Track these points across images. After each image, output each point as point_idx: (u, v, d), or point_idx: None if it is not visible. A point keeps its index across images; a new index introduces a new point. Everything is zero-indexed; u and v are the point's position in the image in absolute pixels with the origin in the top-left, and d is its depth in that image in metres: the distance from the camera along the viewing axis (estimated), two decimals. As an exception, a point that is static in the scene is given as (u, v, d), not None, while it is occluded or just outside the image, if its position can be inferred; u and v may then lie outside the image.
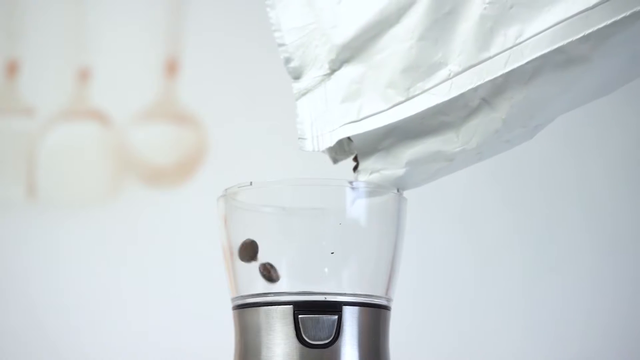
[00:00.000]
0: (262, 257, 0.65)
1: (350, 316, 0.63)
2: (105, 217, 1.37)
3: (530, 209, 1.36)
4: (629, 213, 1.34)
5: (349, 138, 0.67)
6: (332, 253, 0.65)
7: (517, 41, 0.61)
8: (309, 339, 0.62)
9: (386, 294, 0.66)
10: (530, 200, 1.36)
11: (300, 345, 0.63)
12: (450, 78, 0.62)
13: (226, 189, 0.67)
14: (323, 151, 0.68)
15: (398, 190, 0.67)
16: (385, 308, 0.66)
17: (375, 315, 0.65)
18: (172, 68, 1.40)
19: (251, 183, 0.66)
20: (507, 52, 0.61)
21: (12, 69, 1.40)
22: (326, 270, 0.65)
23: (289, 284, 0.64)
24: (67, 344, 1.33)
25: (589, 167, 1.35)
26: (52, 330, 1.33)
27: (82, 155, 1.39)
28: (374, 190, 0.66)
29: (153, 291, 1.34)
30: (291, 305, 0.63)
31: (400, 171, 0.66)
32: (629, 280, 1.33)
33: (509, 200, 1.36)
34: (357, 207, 0.66)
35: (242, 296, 0.65)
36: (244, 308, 0.65)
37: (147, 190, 1.38)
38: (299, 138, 0.67)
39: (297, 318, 0.63)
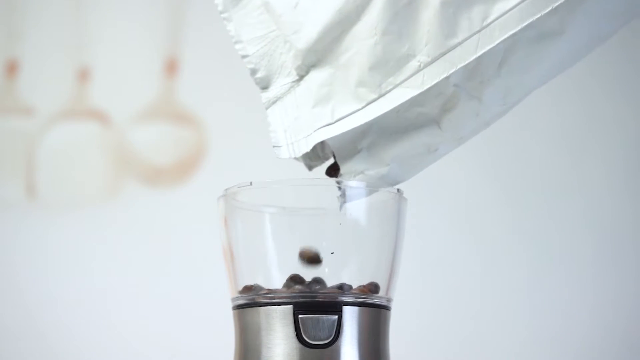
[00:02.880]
0: (263, 257, 0.65)
1: (350, 316, 0.63)
2: (104, 217, 1.37)
3: (531, 208, 1.36)
4: (629, 211, 1.35)
5: (322, 143, 0.66)
6: (332, 253, 0.65)
7: (485, 23, 0.60)
8: (309, 339, 0.62)
9: (386, 294, 0.66)
10: (531, 199, 1.36)
11: (300, 345, 0.63)
12: (421, 69, 0.61)
13: (226, 189, 0.67)
14: (297, 158, 0.68)
15: (398, 191, 0.67)
16: (385, 308, 0.66)
17: (375, 315, 0.65)
18: (171, 68, 1.40)
19: (251, 183, 0.66)
20: (475, 35, 0.60)
21: (12, 68, 1.40)
22: (326, 270, 0.65)
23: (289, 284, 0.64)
24: (65, 344, 1.33)
25: (589, 166, 1.36)
26: (51, 330, 1.33)
27: (82, 155, 1.39)
28: (374, 190, 0.66)
29: (152, 291, 1.34)
30: (291, 305, 0.63)
31: (385, 169, 0.65)
32: (630, 278, 1.33)
33: (510, 199, 1.36)
34: (357, 207, 0.66)
35: (242, 296, 0.65)
36: (244, 308, 0.65)
37: (147, 190, 1.38)
38: (274, 146, 0.66)
39: (297, 318, 0.63)
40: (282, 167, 0.71)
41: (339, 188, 0.65)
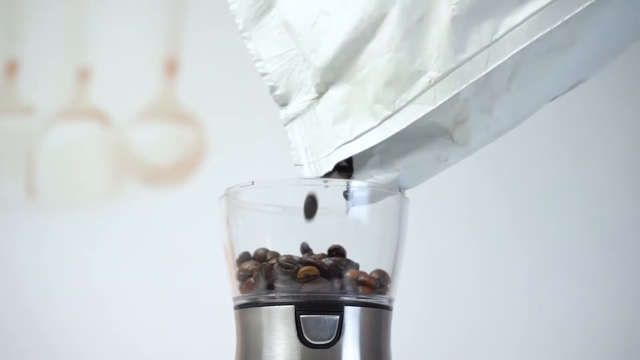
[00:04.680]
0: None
1: (352, 316, 0.63)
2: (104, 217, 1.37)
3: (531, 207, 1.36)
4: (629, 211, 1.35)
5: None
6: (333, 253, 0.65)
7: (494, 38, 0.60)
8: (311, 339, 0.62)
9: (388, 294, 0.66)
10: (531, 199, 1.36)
11: (302, 345, 0.62)
12: (432, 85, 0.61)
13: (228, 189, 0.67)
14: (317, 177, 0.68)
15: (400, 190, 0.67)
16: (387, 308, 0.65)
17: (376, 315, 0.65)
18: (171, 68, 1.40)
19: (253, 182, 0.66)
20: (485, 50, 0.60)
21: (12, 68, 1.40)
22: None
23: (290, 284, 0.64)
24: (65, 343, 1.33)
25: (589, 166, 1.36)
26: (50, 330, 1.33)
27: (82, 155, 1.39)
28: (376, 190, 0.66)
29: (153, 291, 1.34)
30: (293, 305, 0.63)
31: (394, 175, 0.66)
32: (631, 278, 1.33)
33: (510, 199, 1.36)
34: (359, 207, 0.66)
35: (243, 296, 0.65)
36: (246, 308, 0.65)
37: (147, 190, 1.38)
38: (296, 165, 0.66)
39: (299, 318, 0.63)
40: (283, 166, 0.71)
41: (347, 192, 0.65)
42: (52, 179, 1.39)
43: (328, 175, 0.67)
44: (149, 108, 1.39)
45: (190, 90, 1.40)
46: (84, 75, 1.40)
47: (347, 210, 0.65)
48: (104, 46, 1.41)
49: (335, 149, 0.64)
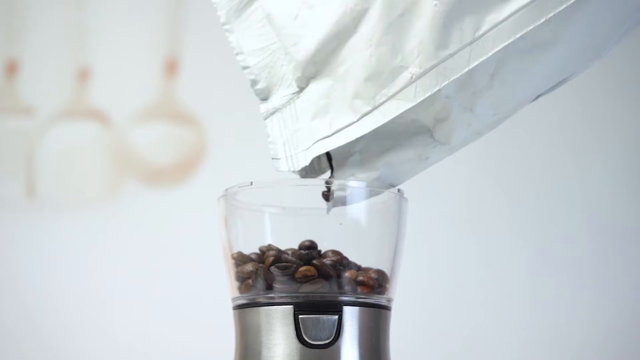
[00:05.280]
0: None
1: (351, 316, 0.63)
2: (104, 217, 1.37)
3: (532, 208, 1.36)
4: (630, 213, 1.35)
5: (319, 156, 0.66)
6: (332, 253, 0.65)
7: (477, 35, 0.59)
8: (310, 339, 0.62)
9: (387, 294, 0.66)
10: (532, 199, 1.36)
11: (301, 345, 0.62)
12: (414, 81, 0.61)
13: (227, 189, 0.67)
14: (293, 171, 0.67)
15: (399, 191, 0.67)
16: (386, 308, 0.66)
17: (375, 315, 0.65)
18: (171, 68, 1.40)
19: (252, 183, 0.66)
20: (467, 47, 0.60)
21: (12, 68, 1.40)
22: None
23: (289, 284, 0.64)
24: (65, 344, 1.33)
25: (590, 167, 1.36)
26: (50, 330, 1.33)
27: (82, 155, 1.39)
28: (375, 190, 0.66)
29: (152, 291, 1.34)
30: (291, 306, 0.63)
31: (375, 173, 0.65)
32: (631, 280, 1.33)
33: (511, 200, 1.36)
34: (357, 207, 0.66)
35: (242, 296, 0.65)
36: (244, 308, 0.65)
37: (147, 190, 1.38)
38: (272, 158, 0.66)
39: (298, 318, 0.63)
40: (282, 167, 0.71)
41: (328, 191, 0.65)
42: (52, 179, 1.39)
43: (304, 170, 0.66)
44: (149, 108, 1.39)
45: (190, 90, 1.40)
46: (84, 75, 1.40)
47: (328, 211, 0.65)
48: (104, 46, 1.41)
49: (313, 144, 0.64)
